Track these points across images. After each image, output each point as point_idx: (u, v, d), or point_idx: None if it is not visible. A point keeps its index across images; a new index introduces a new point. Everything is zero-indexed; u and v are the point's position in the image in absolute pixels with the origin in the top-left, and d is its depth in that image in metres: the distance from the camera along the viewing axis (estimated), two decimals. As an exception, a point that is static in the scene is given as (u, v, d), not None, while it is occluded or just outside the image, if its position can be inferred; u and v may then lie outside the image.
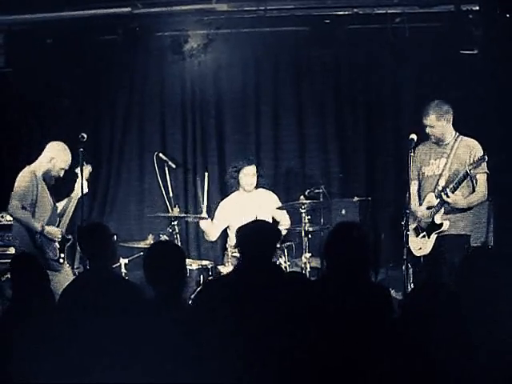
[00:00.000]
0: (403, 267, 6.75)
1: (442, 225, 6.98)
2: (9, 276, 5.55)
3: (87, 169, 7.62)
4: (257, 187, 8.51)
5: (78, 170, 7.50)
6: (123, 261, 7.61)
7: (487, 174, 7.01)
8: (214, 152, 9.59)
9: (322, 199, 8.54)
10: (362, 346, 4.05)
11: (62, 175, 7.43)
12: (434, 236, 7.05)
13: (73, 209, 7.54)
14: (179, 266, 4.67)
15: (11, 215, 7.38)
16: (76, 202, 7.54)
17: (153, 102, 9.60)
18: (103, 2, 8.47)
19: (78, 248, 7.61)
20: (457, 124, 7.22)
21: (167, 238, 7.81)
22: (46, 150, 7.48)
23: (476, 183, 7.00)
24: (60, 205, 7.54)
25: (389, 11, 8.63)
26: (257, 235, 5.17)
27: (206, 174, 8.73)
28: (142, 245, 8.06)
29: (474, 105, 8.58)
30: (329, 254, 4.74)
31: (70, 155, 7.43)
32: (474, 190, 7.02)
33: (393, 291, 8.05)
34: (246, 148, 9.50)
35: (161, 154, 8.64)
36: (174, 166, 8.69)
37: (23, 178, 7.29)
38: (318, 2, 8.63)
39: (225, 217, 8.45)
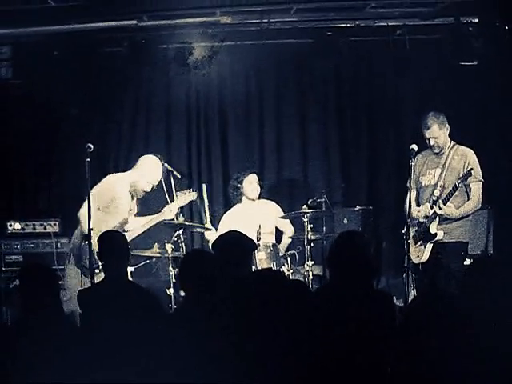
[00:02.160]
0: (404, 275, 6.83)
1: (436, 235, 7.05)
2: (17, 283, 5.63)
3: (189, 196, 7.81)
4: (259, 198, 8.61)
5: (176, 195, 7.76)
6: (129, 269, 7.67)
7: (482, 182, 7.09)
8: (218, 162, 9.68)
9: (324, 208, 8.59)
10: (366, 352, 4.12)
11: (149, 190, 7.58)
12: (429, 245, 7.13)
13: (142, 230, 7.63)
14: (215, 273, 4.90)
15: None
16: (150, 225, 7.70)
17: (158, 113, 9.69)
18: (109, 14, 8.54)
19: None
20: (456, 134, 7.31)
21: (172, 246, 7.93)
22: (139, 163, 7.66)
23: (470, 192, 7.09)
24: (132, 223, 7.64)
25: (390, 23, 8.72)
26: (231, 244, 5.39)
27: (204, 185, 8.83)
28: (147, 253, 8.14)
29: (473, 115, 8.68)
30: (332, 263, 4.84)
31: (161, 171, 7.64)
32: (468, 199, 7.11)
33: (394, 299, 8.14)
34: (249, 158, 9.59)
35: (166, 164, 8.71)
36: (179, 176, 8.76)
37: (102, 184, 7.50)
38: (320, 15, 8.69)
39: (229, 228, 8.51)
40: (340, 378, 3.83)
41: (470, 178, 6.89)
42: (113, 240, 5.83)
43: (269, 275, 4.28)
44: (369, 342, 4.24)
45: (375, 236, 9.14)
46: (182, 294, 6.46)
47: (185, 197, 7.78)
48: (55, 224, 8.69)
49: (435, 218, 7.03)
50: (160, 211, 7.90)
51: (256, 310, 3.83)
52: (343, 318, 4.30)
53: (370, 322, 4.34)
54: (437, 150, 7.21)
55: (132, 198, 7.67)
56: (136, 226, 7.67)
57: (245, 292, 3.95)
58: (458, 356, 3.61)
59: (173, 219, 8.14)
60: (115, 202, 7.51)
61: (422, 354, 3.65)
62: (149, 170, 7.65)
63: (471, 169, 6.89)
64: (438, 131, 7.14)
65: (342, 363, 3.93)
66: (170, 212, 7.68)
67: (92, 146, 7.23)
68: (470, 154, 7.13)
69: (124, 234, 6.79)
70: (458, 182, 6.88)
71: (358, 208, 8.90)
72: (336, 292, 4.63)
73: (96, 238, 7.17)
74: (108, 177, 7.60)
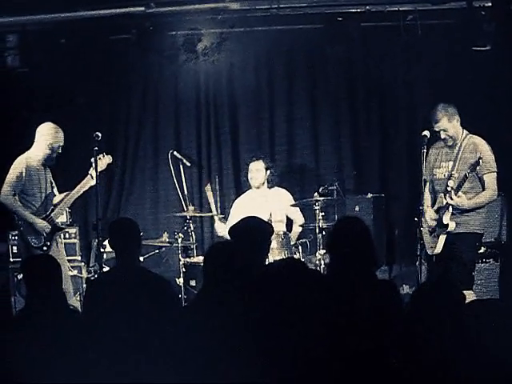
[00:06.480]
0: (417, 263, 6.78)
1: (448, 225, 6.96)
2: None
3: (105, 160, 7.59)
4: (271, 186, 8.52)
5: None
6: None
7: (496, 172, 6.98)
8: (228, 150, 9.63)
9: (335, 196, 8.55)
10: (367, 341, 4.06)
11: (60, 151, 7.49)
12: (443, 236, 7.02)
13: (71, 201, 7.57)
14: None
15: (1, 201, 7.49)
16: (79, 195, 7.57)
17: (167, 101, 9.65)
18: (117, 1, 8.50)
19: (95, 246, 7.67)
20: (469, 121, 7.23)
21: (182, 236, 7.88)
22: (37, 135, 7.57)
23: (484, 184, 6.98)
24: (60, 195, 7.60)
25: (401, 8, 8.62)
26: (249, 231, 5.33)
27: (216, 178, 8.79)
28: (157, 243, 8.12)
29: (486, 101, 8.59)
30: (330, 250, 4.82)
31: (62, 132, 7.51)
32: (483, 190, 7.00)
33: (407, 287, 8.09)
34: (259, 146, 9.53)
35: (175, 152, 8.69)
36: (188, 164, 8.74)
37: (15, 165, 7.47)
38: (330, 0, 8.64)
39: (239, 215, 8.45)
40: (342, 367, 3.79)
41: (478, 168, 6.77)
42: (124, 227, 5.76)
43: (291, 265, 4.21)
44: (365, 332, 4.16)
45: (387, 224, 9.07)
46: (193, 284, 6.43)
47: (102, 161, 7.55)
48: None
49: (448, 208, 6.94)
50: None
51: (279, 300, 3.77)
52: (341, 307, 4.22)
53: (368, 311, 4.27)
54: (450, 143, 7.11)
55: (47, 171, 7.58)
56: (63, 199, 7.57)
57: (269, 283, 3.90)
58: (462, 345, 3.59)
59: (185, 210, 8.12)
60: (29, 181, 7.46)
61: (428, 341, 3.63)
62: (46, 134, 7.51)
63: (480, 158, 6.78)
64: (447, 124, 7.04)
65: (343, 351, 3.88)
66: (85, 183, 7.53)
67: (100, 135, 7.22)
68: (482, 144, 7.01)
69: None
70: (468, 171, 6.79)
71: (369, 195, 8.84)
72: (334, 280, 4.57)
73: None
74: (16, 160, 7.53)
